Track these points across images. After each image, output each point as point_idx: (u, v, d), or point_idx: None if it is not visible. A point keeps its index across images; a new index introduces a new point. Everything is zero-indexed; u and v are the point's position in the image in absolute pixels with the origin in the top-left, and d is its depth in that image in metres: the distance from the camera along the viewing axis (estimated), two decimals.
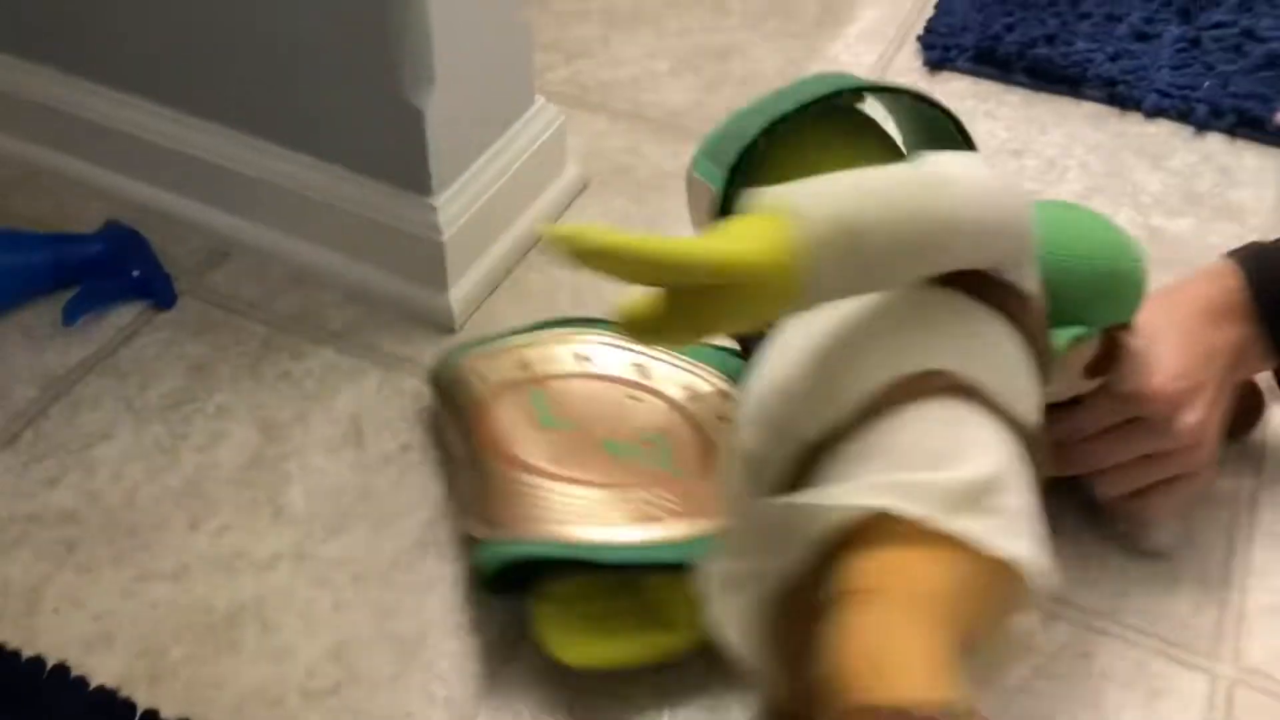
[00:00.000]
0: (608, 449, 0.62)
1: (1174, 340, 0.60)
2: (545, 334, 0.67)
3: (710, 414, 0.64)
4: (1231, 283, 0.63)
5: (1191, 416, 0.60)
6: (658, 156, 0.88)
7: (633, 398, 0.65)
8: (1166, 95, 0.93)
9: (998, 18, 1.01)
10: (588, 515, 0.58)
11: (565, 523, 0.57)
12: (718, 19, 1.04)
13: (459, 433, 0.65)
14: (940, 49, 0.98)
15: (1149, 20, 1.01)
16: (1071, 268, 0.54)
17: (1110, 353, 0.57)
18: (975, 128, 0.85)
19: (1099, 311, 0.55)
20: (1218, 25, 1.00)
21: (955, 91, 0.95)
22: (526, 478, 0.60)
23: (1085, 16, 1.02)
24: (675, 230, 0.74)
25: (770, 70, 0.97)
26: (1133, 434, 0.61)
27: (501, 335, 0.68)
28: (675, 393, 0.65)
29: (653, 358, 0.67)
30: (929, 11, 1.03)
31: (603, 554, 0.56)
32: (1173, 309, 0.62)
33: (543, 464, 0.60)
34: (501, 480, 0.60)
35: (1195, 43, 0.98)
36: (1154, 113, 0.93)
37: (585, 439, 0.62)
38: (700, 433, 0.63)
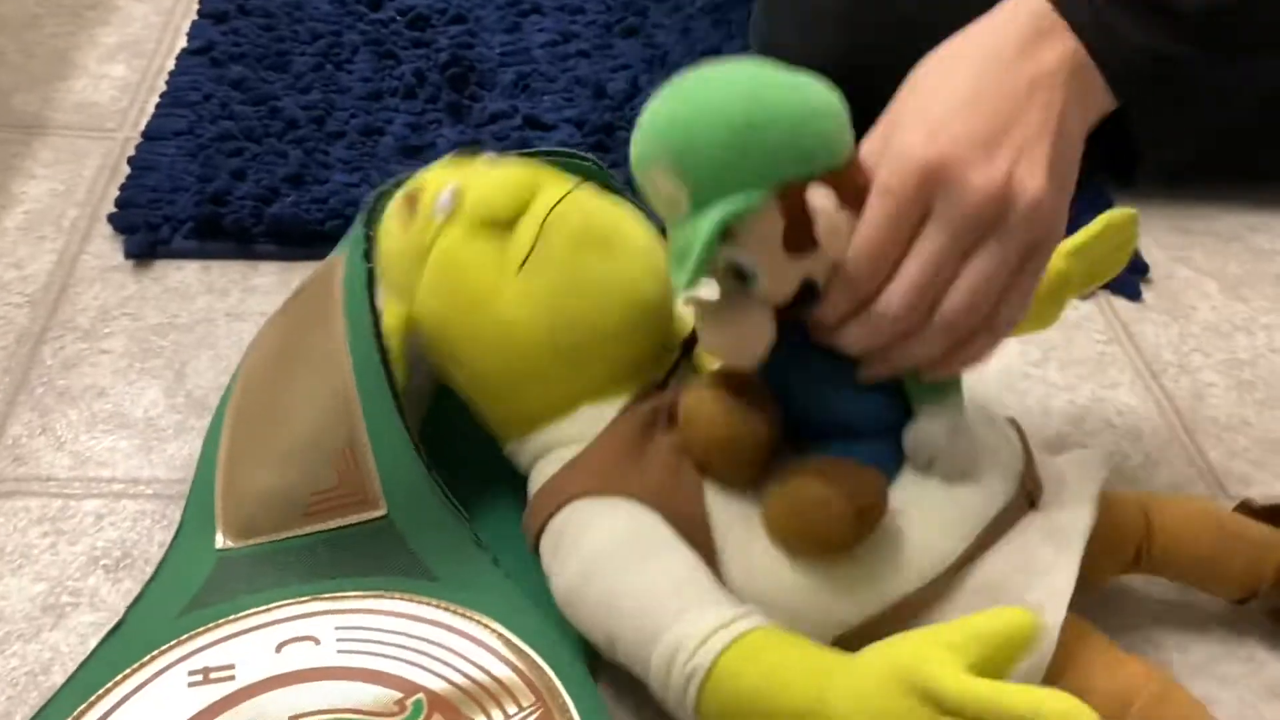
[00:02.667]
0: None
1: (955, 92, 0.42)
2: None
3: None
4: (1036, 5, 0.44)
5: (987, 173, 0.41)
6: None
7: None
8: None
9: (221, 162, 0.73)
10: None
11: None
12: None
13: None
14: (145, 229, 0.69)
15: (416, 127, 0.80)
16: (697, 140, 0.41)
17: (798, 216, 0.41)
18: (217, 337, 0.60)
19: (750, 173, 0.40)
20: (497, 118, 0.81)
21: (179, 288, 0.66)
22: None
23: (338, 136, 0.78)
24: None
25: None
26: (918, 248, 0.42)
27: None
28: None
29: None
30: (124, 173, 0.73)
31: None
32: (956, 61, 0.44)
33: None
34: None
35: (477, 145, 0.78)
36: None
37: None
38: None
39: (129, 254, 0.68)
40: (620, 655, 0.45)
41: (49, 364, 0.61)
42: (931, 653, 0.37)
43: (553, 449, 0.50)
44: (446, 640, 0.48)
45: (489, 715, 0.45)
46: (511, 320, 0.49)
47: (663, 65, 0.88)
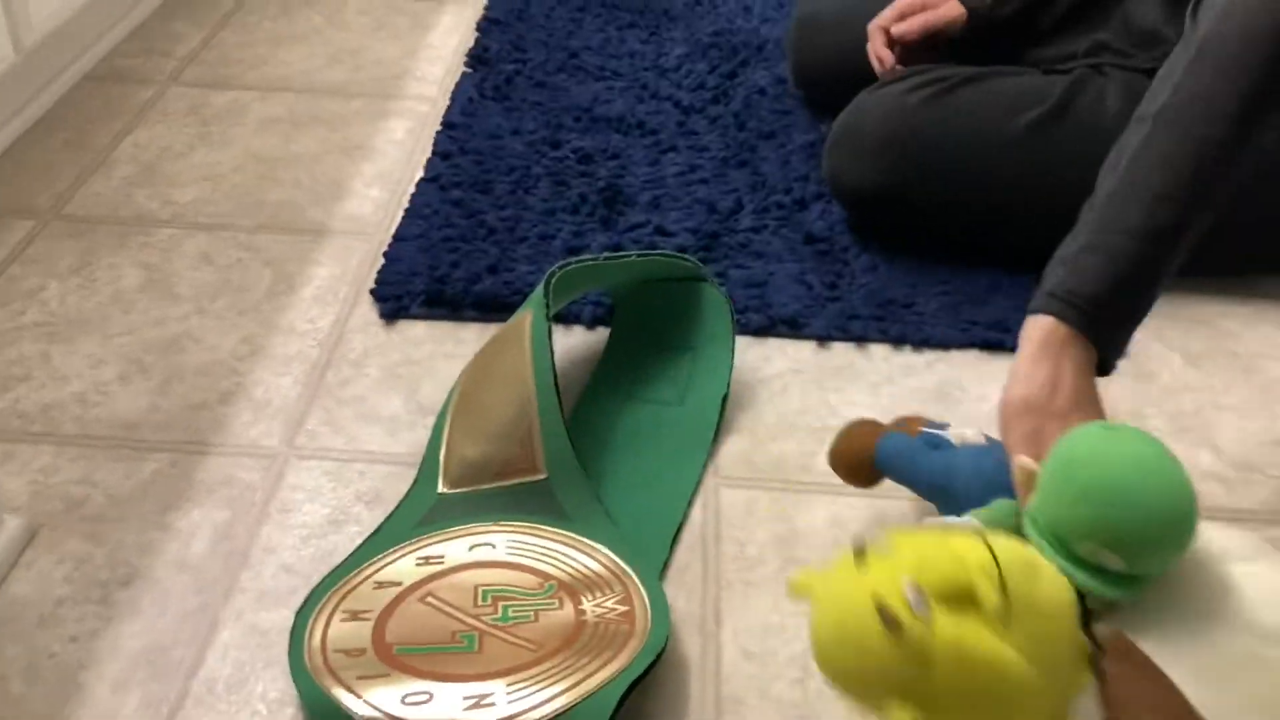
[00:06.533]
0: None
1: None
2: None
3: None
4: (1057, 329, 0.72)
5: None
6: (112, 481, 0.84)
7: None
8: (599, 304, 1.02)
9: (444, 257, 1.07)
10: None
11: None
12: (166, 307, 1.02)
13: None
14: (393, 300, 1.02)
15: (578, 234, 1.11)
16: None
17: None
18: (437, 370, 0.89)
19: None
20: (634, 227, 1.12)
21: (414, 338, 0.99)
22: None
23: (522, 240, 1.10)
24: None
25: (225, 353, 0.96)
26: None
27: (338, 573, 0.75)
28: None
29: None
30: (381, 263, 1.07)
31: None
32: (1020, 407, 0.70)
33: None
34: None
35: (618, 248, 1.09)
36: (592, 323, 1.01)
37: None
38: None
39: (382, 315, 1.01)
40: None
41: (330, 383, 0.94)
42: None
43: None
44: (570, 554, 0.76)
45: (593, 596, 0.73)
46: (1023, 667, 0.54)
47: (763, 188, 1.18)
